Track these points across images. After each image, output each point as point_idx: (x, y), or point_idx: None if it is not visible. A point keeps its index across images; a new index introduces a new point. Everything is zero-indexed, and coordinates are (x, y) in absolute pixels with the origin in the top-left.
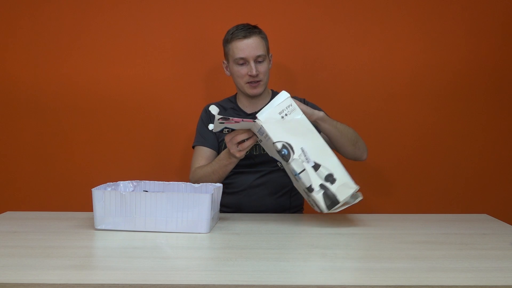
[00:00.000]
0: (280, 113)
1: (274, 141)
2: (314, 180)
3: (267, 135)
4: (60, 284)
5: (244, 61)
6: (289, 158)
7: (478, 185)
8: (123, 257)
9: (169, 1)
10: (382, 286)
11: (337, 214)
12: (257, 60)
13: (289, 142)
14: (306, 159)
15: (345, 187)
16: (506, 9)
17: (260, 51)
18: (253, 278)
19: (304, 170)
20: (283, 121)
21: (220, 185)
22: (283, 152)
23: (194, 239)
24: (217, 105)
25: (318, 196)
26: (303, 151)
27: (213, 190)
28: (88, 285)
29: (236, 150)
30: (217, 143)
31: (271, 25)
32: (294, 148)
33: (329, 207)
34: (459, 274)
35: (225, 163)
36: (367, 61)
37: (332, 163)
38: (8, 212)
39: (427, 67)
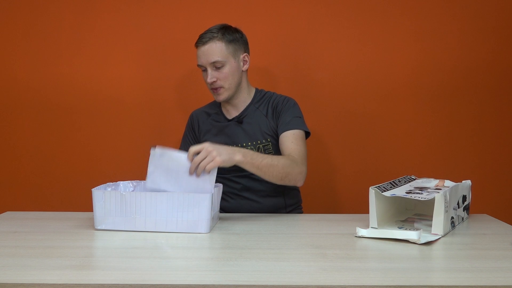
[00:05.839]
0: None
1: None
2: None
3: None
4: (60, 284)
5: (204, 68)
6: None
7: (478, 185)
8: (123, 257)
9: (167, 3)
10: (382, 286)
11: (337, 214)
12: (215, 66)
13: None
14: None
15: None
16: (504, 9)
17: (215, 57)
18: (253, 278)
19: None
20: None
21: (220, 185)
22: None
23: (194, 239)
24: (201, 111)
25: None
26: None
27: (213, 190)
28: (88, 285)
29: None
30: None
31: (268, 25)
32: None
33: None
34: (459, 274)
35: None
36: (365, 61)
37: None
38: (8, 212)
39: (424, 67)
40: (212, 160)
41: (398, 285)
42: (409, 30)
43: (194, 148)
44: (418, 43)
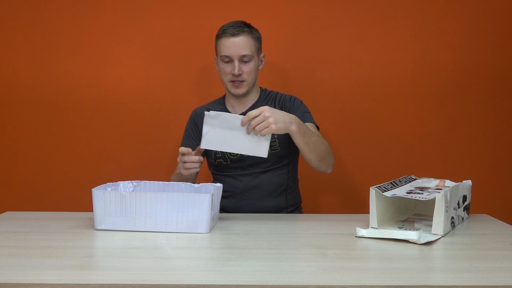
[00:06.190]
0: None
1: None
2: None
3: None
4: (60, 284)
5: (229, 59)
6: None
7: (478, 185)
8: (123, 257)
9: (168, 2)
10: (382, 286)
11: (337, 214)
12: (242, 59)
13: None
14: None
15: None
16: (504, 9)
17: (246, 50)
18: (253, 278)
19: None
20: None
21: (220, 185)
22: None
23: (194, 239)
24: (205, 108)
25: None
26: None
27: (213, 190)
28: (88, 285)
29: (183, 167)
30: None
31: (270, 24)
32: None
33: None
34: (459, 274)
35: (180, 176)
36: (365, 61)
37: None
38: (8, 212)
39: (425, 67)
40: (268, 127)
41: (398, 285)
42: (410, 30)
43: (253, 113)
44: (419, 43)
